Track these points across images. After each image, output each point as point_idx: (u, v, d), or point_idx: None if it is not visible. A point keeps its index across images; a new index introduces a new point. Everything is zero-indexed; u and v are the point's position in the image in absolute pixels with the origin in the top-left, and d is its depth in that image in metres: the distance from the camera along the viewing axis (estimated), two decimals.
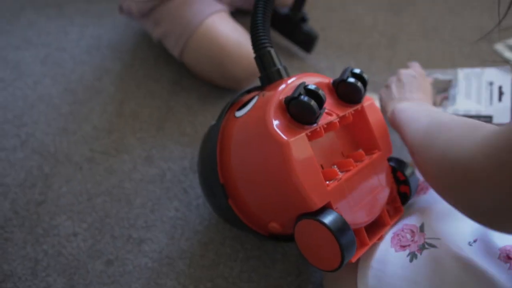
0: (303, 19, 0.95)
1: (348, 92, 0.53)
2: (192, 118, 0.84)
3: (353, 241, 0.45)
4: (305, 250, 0.48)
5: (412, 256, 0.46)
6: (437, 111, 0.50)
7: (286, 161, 0.45)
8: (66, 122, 0.82)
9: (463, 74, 0.75)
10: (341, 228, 0.44)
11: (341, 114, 0.52)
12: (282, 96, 0.49)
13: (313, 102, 0.46)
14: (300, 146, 0.45)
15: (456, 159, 0.35)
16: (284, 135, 0.45)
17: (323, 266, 0.47)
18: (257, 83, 0.88)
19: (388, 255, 0.48)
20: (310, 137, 0.48)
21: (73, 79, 0.89)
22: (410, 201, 0.57)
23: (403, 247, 0.48)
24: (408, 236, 0.49)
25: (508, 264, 0.41)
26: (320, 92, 0.47)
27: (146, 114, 0.84)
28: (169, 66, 0.92)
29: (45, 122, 0.82)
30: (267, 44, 0.55)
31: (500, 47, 1.06)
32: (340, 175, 0.49)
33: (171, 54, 0.89)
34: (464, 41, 1.05)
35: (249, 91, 0.61)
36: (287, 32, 0.96)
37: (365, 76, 0.53)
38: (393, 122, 0.56)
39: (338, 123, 0.51)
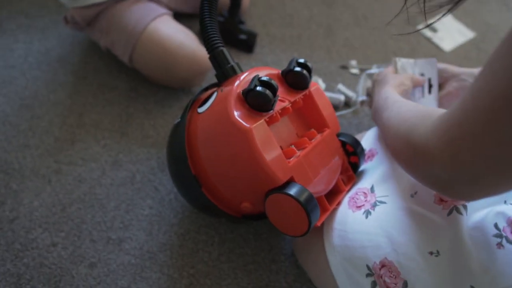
0: (241, 22, 1.01)
1: (296, 80, 0.60)
2: (153, 121, 0.88)
3: (317, 207, 0.52)
4: (276, 221, 0.55)
5: (367, 213, 0.54)
6: (398, 102, 0.57)
7: (250, 145, 0.51)
8: (27, 138, 0.83)
9: (400, 64, 0.78)
10: (305, 197, 0.51)
11: (292, 99, 0.58)
12: (239, 89, 0.55)
13: (268, 91, 0.52)
14: (260, 131, 0.52)
15: (415, 144, 0.42)
16: (246, 123, 0.51)
17: (294, 232, 0.53)
18: (206, 80, 0.94)
19: (347, 216, 0.56)
20: (268, 122, 0.54)
21: (27, 95, 0.90)
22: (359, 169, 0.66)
23: (359, 207, 0.56)
24: (362, 197, 0.57)
25: (441, 206, 0.50)
26: (273, 82, 0.53)
27: (107, 122, 0.87)
28: (123, 74, 0.95)
29: (5, 140, 0.82)
30: (219, 44, 0.60)
31: (422, 27, 1.18)
32: (298, 152, 0.56)
33: (122, 62, 0.92)
34: (392, 26, 1.17)
35: (206, 89, 0.67)
36: (228, 36, 0.99)
37: (309, 64, 0.61)
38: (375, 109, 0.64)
39: (290, 108, 0.58)
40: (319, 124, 0.62)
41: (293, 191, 0.51)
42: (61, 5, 1.02)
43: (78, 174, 0.79)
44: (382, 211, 0.54)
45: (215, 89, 0.62)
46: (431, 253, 0.48)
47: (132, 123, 0.87)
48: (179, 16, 0.97)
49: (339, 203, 0.60)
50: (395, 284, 0.48)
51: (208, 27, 0.60)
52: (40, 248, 0.70)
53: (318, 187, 0.56)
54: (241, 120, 0.51)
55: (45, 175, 0.78)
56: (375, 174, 0.60)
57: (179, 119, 0.63)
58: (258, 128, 0.51)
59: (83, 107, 0.89)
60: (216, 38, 0.60)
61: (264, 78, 0.53)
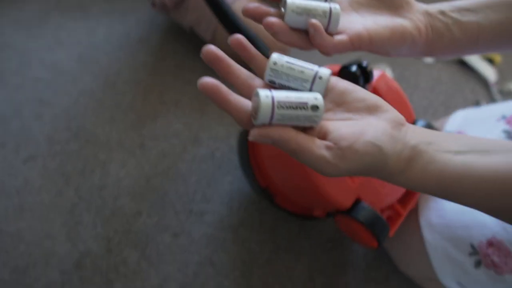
0: None
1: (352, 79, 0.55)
2: None
3: (385, 226, 0.51)
4: (348, 233, 0.55)
5: None
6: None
7: (310, 177, 0.49)
8: (112, 113, 0.87)
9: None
10: (373, 221, 0.50)
11: None
12: None
13: None
14: None
15: None
16: None
17: (365, 245, 0.53)
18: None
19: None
20: None
21: (111, 73, 0.94)
22: None
23: None
24: None
25: None
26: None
27: (186, 101, 0.90)
28: (199, 56, 0.98)
29: (92, 114, 0.87)
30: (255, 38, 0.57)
31: None
32: None
33: (199, 43, 0.94)
34: None
35: None
36: None
37: (365, 64, 0.55)
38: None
39: None
40: None
41: (359, 214, 0.50)
42: None
43: (161, 149, 0.82)
44: None
45: None
46: None
47: (210, 103, 0.89)
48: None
49: (413, 206, 0.58)
50: (506, 263, 0.47)
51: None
52: (127, 215, 0.73)
53: (388, 197, 0.55)
54: None
55: (130, 148, 0.82)
56: None
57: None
58: None
59: (163, 86, 0.92)
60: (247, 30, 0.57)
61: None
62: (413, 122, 0.62)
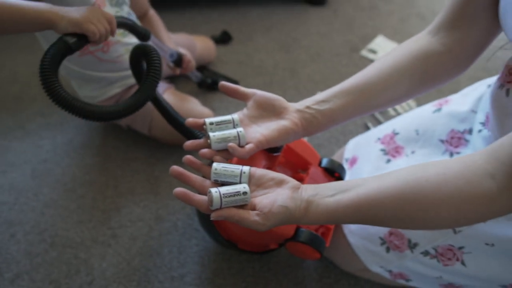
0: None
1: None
2: None
3: (322, 241, 0.69)
4: (296, 253, 0.73)
5: None
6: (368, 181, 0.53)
7: None
8: (78, 215, 1.00)
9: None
10: (311, 239, 0.67)
11: (275, 162, 0.72)
12: None
13: None
14: None
15: (477, 196, 0.44)
16: None
17: (311, 258, 0.72)
18: None
19: None
20: None
21: (66, 180, 1.07)
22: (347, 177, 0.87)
23: None
24: None
25: None
26: None
27: (140, 188, 1.05)
28: (139, 147, 1.14)
29: (62, 221, 0.99)
30: (198, 133, 0.73)
31: (365, 52, 1.45)
32: None
33: (137, 135, 1.11)
34: (340, 55, 1.43)
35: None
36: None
37: None
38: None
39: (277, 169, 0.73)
40: (303, 163, 0.77)
41: (301, 237, 0.67)
42: None
43: (130, 234, 0.96)
44: None
45: None
46: None
47: (160, 184, 1.06)
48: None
49: None
50: (403, 243, 0.70)
51: (181, 122, 0.76)
52: None
53: None
54: None
55: (104, 241, 0.95)
56: (364, 174, 0.82)
57: None
58: None
59: (116, 180, 1.07)
60: (192, 130, 0.73)
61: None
62: (320, 161, 0.84)
